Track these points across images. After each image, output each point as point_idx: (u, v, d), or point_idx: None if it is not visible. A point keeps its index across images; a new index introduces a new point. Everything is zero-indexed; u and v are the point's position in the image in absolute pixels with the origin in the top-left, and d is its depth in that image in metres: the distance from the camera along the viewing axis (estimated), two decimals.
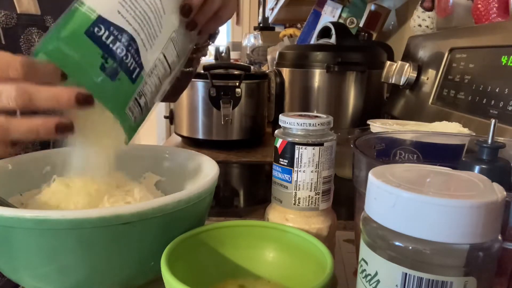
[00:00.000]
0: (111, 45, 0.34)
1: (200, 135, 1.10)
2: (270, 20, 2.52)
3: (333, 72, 0.98)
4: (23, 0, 0.57)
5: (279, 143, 0.40)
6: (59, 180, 0.41)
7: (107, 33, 0.34)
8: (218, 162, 0.44)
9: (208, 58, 1.25)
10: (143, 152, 0.51)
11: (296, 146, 0.39)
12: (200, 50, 0.57)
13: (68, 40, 0.33)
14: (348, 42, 1.05)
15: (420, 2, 0.94)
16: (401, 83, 0.90)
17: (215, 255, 0.38)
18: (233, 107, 1.06)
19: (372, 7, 1.40)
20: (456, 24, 0.82)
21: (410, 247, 0.22)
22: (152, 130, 3.03)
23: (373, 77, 1.00)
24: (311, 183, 0.40)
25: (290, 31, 1.98)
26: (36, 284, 0.35)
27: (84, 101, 0.32)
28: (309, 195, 0.40)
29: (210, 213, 0.44)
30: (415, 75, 0.88)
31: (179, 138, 1.18)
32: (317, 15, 1.52)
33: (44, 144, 0.62)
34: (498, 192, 0.22)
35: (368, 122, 0.69)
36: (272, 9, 2.37)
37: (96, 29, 0.34)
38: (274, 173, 0.42)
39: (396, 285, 0.23)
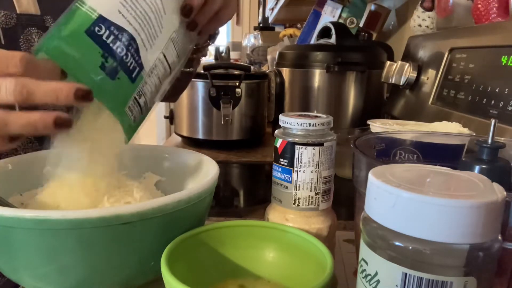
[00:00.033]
0: (111, 45, 0.34)
1: (200, 135, 1.10)
2: (270, 20, 2.52)
3: (333, 72, 0.98)
4: (22, 0, 0.57)
5: (279, 143, 0.40)
6: (59, 180, 0.41)
7: (107, 32, 0.34)
8: (218, 162, 0.44)
9: (208, 58, 1.25)
10: (143, 152, 0.51)
11: (296, 146, 0.39)
12: (200, 50, 0.57)
13: (68, 39, 0.33)
14: (348, 42, 1.05)
15: (420, 2, 0.94)
16: (401, 83, 0.90)
17: (215, 255, 0.38)
18: (233, 107, 1.06)
19: (372, 7, 1.40)
20: (456, 24, 0.82)
21: (410, 247, 0.22)
22: (152, 130, 3.03)
23: (373, 77, 1.00)
24: (311, 183, 0.40)
25: (290, 31, 1.98)
26: (36, 284, 0.35)
27: (83, 96, 0.32)
28: (309, 195, 0.40)
29: (210, 213, 0.44)
30: (415, 75, 0.88)
31: (179, 138, 1.18)
32: (317, 15, 1.52)
33: (44, 144, 0.63)
34: (498, 192, 0.22)
35: (368, 122, 0.69)
36: (272, 9, 2.37)
37: (96, 28, 0.34)
38: (274, 173, 0.42)
39: (396, 285, 0.23)
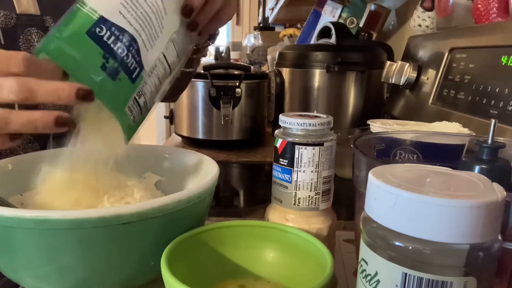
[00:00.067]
0: (112, 45, 0.34)
1: (200, 135, 1.10)
2: (270, 20, 2.52)
3: (333, 72, 0.98)
4: (22, 0, 0.57)
5: (279, 143, 0.40)
6: (58, 180, 0.41)
7: (108, 33, 0.34)
8: (218, 162, 0.44)
9: (208, 58, 1.25)
10: (143, 152, 0.51)
11: (296, 146, 0.39)
12: (200, 50, 0.57)
13: (69, 40, 0.33)
14: (348, 42, 1.05)
15: (420, 2, 0.94)
16: (401, 83, 0.90)
17: (215, 255, 0.38)
18: (233, 107, 1.06)
19: (372, 7, 1.40)
20: (456, 24, 0.82)
21: (410, 247, 0.22)
22: (152, 130, 3.03)
23: (373, 77, 1.00)
24: (311, 183, 0.40)
25: (290, 31, 1.98)
26: (36, 284, 0.35)
27: (85, 96, 0.32)
28: (309, 195, 0.40)
29: (210, 213, 0.44)
30: (415, 75, 0.88)
31: (179, 138, 1.18)
32: (317, 15, 1.52)
33: (44, 144, 0.63)
34: (498, 192, 0.22)
35: (368, 122, 0.69)
36: (272, 9, 2.37)
37: (97, 29, 0.34)
38: (274, 173, 0.42)
39: (396, 285, 0.23)
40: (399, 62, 0.90)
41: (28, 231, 0.31)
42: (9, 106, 0.33)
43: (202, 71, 1.03)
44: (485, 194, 0.22)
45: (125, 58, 0.35)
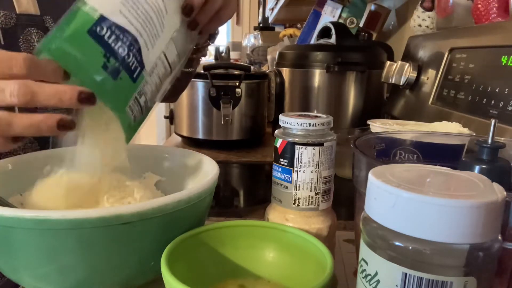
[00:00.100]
0: (113, 45, 0.34)
1: (200, 135, 1.10)
2: (270, 20, 2.52)
3: (333, 72, 0.98)
4: (22, 0, 0.57)
5: (279, 143, 0.40)
6: (58, 179, 0.41)
7: (109, 32, 0.34)
8: (218, 162, 0.44)
9: (208, 58, 1.25)
10: (143, 152, 0.51)
11: (296, 146, 0.39)
12: (200, 50, 0.57)
13: (70, 39, 0.33)
14: (348, 42, 1.05)
15: (420, 2, 0.94)
16: (401, 83, 0.90)
17: (215, 255, 0.38)
18: (233, 107, 1.06)
19: (372, 7, 1.40)
20: (456, 24, 0.82)
21: (410, 247, 0.22)
22: (152, 130, 3.03)
23: (373, 77, 1.00)
24: (311, 183, 0.40)
25: (290, 31, 1.98)
26: (36, 284, 0.35)
27: (87, 99, 0.32)
28: (309, 195, 0.40)
29: (210, 213, 0.44)
30: (415, 75, 0.88)
31: (179, 138, 1.18)
32: (317, 15, 1.52)
33: (44, 144, 0.62)
34: (498, 192, 0.22)
35: (368, 122, 0.69)
36: (272, 9, 2.37)
37: (98, 28, 0.34)
38: (274, 173, 0.42)
39: (396, 285, 0.23)
40: (399, 62, 0.90)
41: (28, 231, 0.31)
42: (10, 109, 0.33)
43: (202, 71, 1.03)
44: (485, 194, 0.22)
45: (126, 57, 0.35)
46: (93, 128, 0.38)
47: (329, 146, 0.40)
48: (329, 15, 1.43)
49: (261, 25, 2.56)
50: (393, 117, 0.92)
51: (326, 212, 0.42)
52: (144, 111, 0.39)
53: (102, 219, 0.31)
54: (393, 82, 0.90)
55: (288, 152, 0.40)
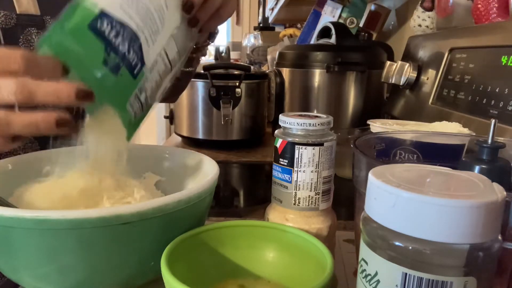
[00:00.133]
0: (113, 40, 0.34)
1: (200, 135, 1.10)
2: (270, 20, 2.52)
3: (333, 72, 0.98)
4: (22, 0, 0.57)
5: (279, 143, 0.40)
6: (59, 179, 0.41)
7: (109, 27, 0.34)
8: (218, 162, 0.44)
9: (208, 58, 1.25)
10: (143, 152, 0.51)
11: (296, 146, 0.39)
12: (200, 49, 0.57)
13: (71, 33, 0.33)
14: (348, 42, 1.05)
15: (420, 2, 0.94)
16: (401, 83, 0.90)
17: (215, 255, 0.38)
18: (233, 107, 1.06)
19: (372, 7, 1.40)
20: (456, 24, 0.82)
21: (410, 247, 0.22)
22: (152, 130, 3.03)
23: (373, 77, 1.00)
24: (311, 183, 0.40)
25: (290, 31, 1.98)
26: (36, 284, 0.35)
27: (84, 96, 0.32)
28: (309, 195, 0.40)
29: (210, 213, 0.44)
30: (415, 75, 0.88)
31: (179, 138, 1.18)
32: (317, 15, 1.52)
33: (44, 144, 0.62)
34: (498, 192, 0.22)
35: (368, 122, 0.69)
36: (272, 9, 2.37)
37: (99, 23, 0.34)
38: (274, 173, 0.42)
39: (396, 285, 0.23)
40: (399, 62, 0.90)
41: (28, 231, 0.31)
42: (9, 107, 0.33)
43: (202, 71, 1.03)
44: (485, 194, 0.22)
45: (126, 53, 0.35)
46: (94, 127, 0.38)
47: (329, 146, 0.40)
48: (329, 15, 1.43)
49: (261, 25, 2.56)
50: (393, 117, 0.92)
51: (326, 212, 0.42)
52: (145, 108, 0.39)
53: (102, 219, 0.31)
54: (393, 82, 0.90)
55: (288, 152, 0.40)
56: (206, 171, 0.44)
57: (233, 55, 2.26)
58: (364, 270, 0.25)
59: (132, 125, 0.38)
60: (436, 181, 0.24)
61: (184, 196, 0.35)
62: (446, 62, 0.77)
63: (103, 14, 0.34)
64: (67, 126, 0.33)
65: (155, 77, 0.39)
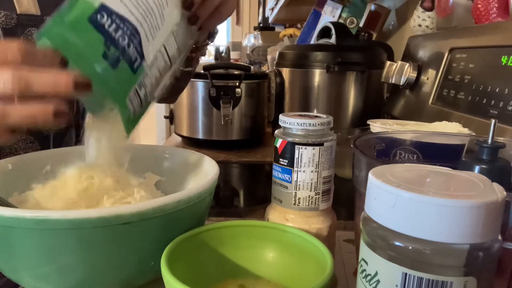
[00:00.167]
0: (113, 33, 0.34)
1: (200, 135, 1.10)
2: (270, 20, 2.52)
3: (333, 72, 0.98)
4: (23, 1, 0.57)
5: (279, 143, 0.40)
6: (59, 179, 0.41)
7: (109, 21, 0.34)
8: (218, 162, 0.44)
9: (208, 58, 1.25)
10: (143, 152, 0.51)
11: (296, 146, 0.39)
12: (200, 49, 0.57)
13: (71, 26, 0.33)
14: (348, 42, 1.05)
15: (420, 2, 0.94)
16: (401, 83, 0.90)
17: (215, 255, 0.38)
18: (233, 107, 1.06)
19: (372, 7, 1.40)
20: (456, 24, 0.82)
21: (410, 247, 0.22)
22: (152, 130, 3.03)
23: (373, 77, 1.00)
24: (311, 183, 0.40)
25: (290, 31, 1.98)
26: (36, 284, 0.35)
27: (82, 86, 0.32)
28: (309, 195, 0.40)
29: (210, 213, 0.44)
30: (415, 75, 0.88)
31: (179, 138, 1.18)
32: (317, 15, 1.52)
33: (44, 144, 0.63)
34: (498, 192, 0.22)
35: (368, 122, 0.69)
36: (272, 9, 2.37)
37: (99, 16, 0.34)
38: (274, 173, 0.42)
39: (396, 285, 0.23)
40: (399, 62, 0.90)
41: (28, 231, 0.31)
42: (8, 100, 0.33)
43: (202, 71, 1.03)
44: (485, 194, 0.22)
45: (126, 47, 0.35)
46: (95, 126, 0.38)
47: (329, 146, 0.40)
48: (329, 15, 1.43)
49: (261, 25, 2.56)
50: (393, 117, 0.92)
51: (326, 212, 0.42)
52: (144, 104, 0.39)
53: (102, 219, 0.31)
54: (393, 82, 0.90)
55: (288, 152, 0.40)
56: (206, 171, 0.44)
57: (233, 55, 2.26)
58: (364, 270, 0.25)
59: (131, 121, 0.38)
60: (436, 181, 0.24)
61: (184, 196, 0.35)
62: (446, 62, 0.77)
63: (103, 8, 0.34)
64: (65, 117, 0.33)
65: (155, 73, 0.39)
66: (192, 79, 1.03)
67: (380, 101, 1.06)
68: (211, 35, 0.53)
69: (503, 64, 0.60)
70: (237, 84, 1.05)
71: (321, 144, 0.39)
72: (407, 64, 0.89)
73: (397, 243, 0.22)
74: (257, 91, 1.11)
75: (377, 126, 0.67)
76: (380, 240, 0.23)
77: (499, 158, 0.34)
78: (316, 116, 0.40)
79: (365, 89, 1.00)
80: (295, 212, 0.41)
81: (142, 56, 0.36)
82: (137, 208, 0.32)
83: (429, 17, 0.92)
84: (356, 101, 1.00)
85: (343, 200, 0.49)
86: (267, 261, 0.38)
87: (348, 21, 1.33)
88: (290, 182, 0.40)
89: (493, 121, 0.34)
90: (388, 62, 0.92)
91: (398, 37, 1.29)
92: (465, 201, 0.21)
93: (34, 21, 0.58)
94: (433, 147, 0.44)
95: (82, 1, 0.34)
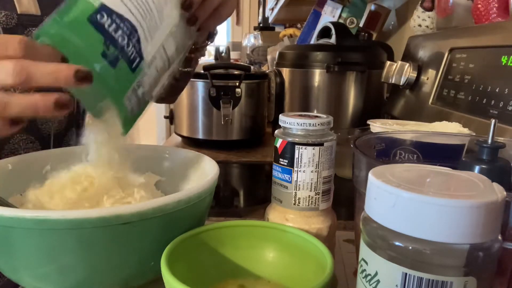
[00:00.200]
0: (113, 33, 0.34)
1: (200, 135, 1.10)
2: (270, 20, 2.52)
3: (333, 72, 0.98)
4: (23, 0, 0.57)
5: (279, 143, 0.40)
6: (59, 179, 0.41)
7: (109, 21, 0.34)
8: (218, 162, 0.44)
9: (208, 58, 1.25)
10: (143, 152, 0.51)
11: (296, 146, 0.39)
12: (199, 50, 0.57)
13: (70, 25, 0.33)
14: (348, 42, 1.05)
15: (420, 2, 0.94)
16: (401, 83, 0.90)
17: (215, 255, 0.38)
18: (233, 107, 1.06)
19: (372, 7, 1.40)
20: (456, 24, 0.82)
21: (410, 247, 0.22)
22: (152, 130, 3.03)
23: (373, 77, 1.00)
24: (311, 183, 0.40)
25: (290, 31, 1.98)
26: (36, 284, 0.35)
27: (83, 78, 0.32)
28: (309, 195, 0.40)
29: (210, 213, 0.44)
30: (415, 75, 0.88)
31: (179, 138, 1.18)
32: (317, 15, 1.52)
33: (45, 144, 0.63)
34: (498, 192, 0.22)
35: (368, 122, 0.69)
36: (272, 9, 2.37)
37: (99, 16, 0.34)
38: (274, 173, 0.42)
39: (396, 285, 0.23)
40: (399, 62, 0.90)
41: (28, 231, 0.31)
42: (7, 91, 0.33)
43: (202, 71, 1.03)
44: (485, 194, 0.22)
45: (125, 46, 0.35)
46: (94, 126, 0.38)
47: (329, 146, 0.40)
48: (329, 15, 1.43)
49: (261, 25, 2.56)
50: (393, 117, 0.92)
51: (326, 212, 0.42)
52: (142, 104, 0.39)
53: (102, 219, 0.31)
54: (393, 82, 0.90)
55: (288, 152, 0.40)
56: (206, 171, 0.44)
57: (233, 55, 2.26)
58: (364, 270, 0.25)
59: (129, 120, 0.38)
60: (436, 181, 0.24)
61: (184, 196, 0.35)
62: (446, 62, 0.77)
63: (103, 7, 0.34)
64: (66, 108, 0.33)
65: (153, 73, 0.39)
66: (192, 79, 1.03)
67: (380, 101, 1.06)
68: (211, 36, 0.53)
69: (503, 64, 0.60)
70: (237, 84, 1.05)
71: (321, 144, 0.39)
72: (407, 64, 0.89)
73: (397, 243, 0.22)
74: (257, 91, 1.11)
75: (377, 126, 0.67)
76: (380, 240, 0.23)
77: (499, 158, 0.34)
78: (316, 116, 0.40)
79: (365, 89, 1.00)
80: (295, 212, 0.41)
81: (141, 56, 0.36)
82: (137, 208, 0.32)
83: (429, 17, 0.92)
84: (356, 101, 1.00)
85: (343, 200, 0.49)
86: (267, 261, 0.38)
87: (348, 21, 1.33)
88: (290, 182, 0.40)
89: (493, 121, 0.34)
90: (388, 62, 0.92)
91: (398, 37, 1.29)
92: (465, 201, 0.21)
93: (34, 21, 0.58)
94: (433, 147, 0.44)
95: (82, 1, 0.34)
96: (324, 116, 0.40)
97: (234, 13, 0.51)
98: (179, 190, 0.36)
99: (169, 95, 0.83)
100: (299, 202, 0.40)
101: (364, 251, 0.25)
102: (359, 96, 1.00)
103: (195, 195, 0.36)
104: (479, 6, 0.70)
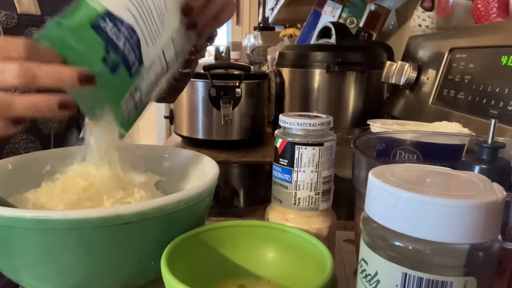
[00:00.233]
0: (114, 39, 0.34)
1: (200, 135, 1.10)
2: (270, 20, 2.52)
3: (333, 72, 0.98)
4: (23, 0, 0.57)
5: (279, 143, 0.40)
6: (59, 179, 0.41)
7: (111, 26, 0.34)
8: (218, 162, 0.44)
9: (208, 58, 1.25)
10: (143, 152, 0.51)
11: (296, 146, 0.39)
12: (198, 51, 0.57)
13: (72, 30, 0.33)
14: (348, 42, 1.05)
15: (420, 2, 0.94)
16: (401, 83, 0.90)
17: (215, 255, 0.38)
18: (233, 107, 1.06)
19: (372, 7, 1.40)
20: (456, 24, 0.82)
21: (410, 247, 0.22)
22: (152, 130, 3.03)
23: (373, 77, 1.00)
24: (311, 183, 0.40)
25: (290, 31, 1.98)
26: (36, 284, 0.35)
27: (87, 80, 0.32)
28: (309, 195, 0.40)
29: (210, 213, 0.44)
30: (415, 75, 0.88)
31: (179, 138, 1.18)
32: (317, 15, 1.52)
33: (45, 144, 0.63)
34: (498, 192, 0.22)
35: (368, 122, 0.69)
36: (272, 9, 2.37)
37: (101, 22, 0.34)
38: (274, 173, 0.42)
39: (396, 285, 0.23)
40: (399, 62, 0.90)
41: (28, 231, 0.31)
42: (12, 91, 0.33)
43: (202, 71, 1.03)
44: (485, 194, 0.22)
45: (126, 52, 0.35)
46: (93, 127, 0.38)
47: (329, 146, 0.40)
48: (329, 15, 1.43)
49: (261, 25, 2.56)
50: (393, 117, 0.92)
51: (326, 212, 0.42)
52: (139, 107, 0.39)
53: (102, 219, 0.31)
54: (393, 82, 0.90)
55: (288, 152, 0.40)
56: (206, 171, 0.44)
57: (233, 55, 2.26)
58: (364, 270, 0.25)
59: (126, 123, 0.38)
60: (436, 181, 0.24)
61: (184, 196, 0.35)
62: (446, 62, 0.77)
63: (107, 13, 0.34)
64: (69, 109, 0.33)
65: (151, 78, 0.39)
66: (192, 79, 1.03)
67: (380, 101, 1.06)
68: (210, 38, 0.54)
69: (503, 64, 0.60)
70: (237, 84, 1.05)
71: (321, 144, 0.39)
72: (407, 64, 0.89)
73: (397, 243, 0.22)
74: (257, 91, 1.11)
75: (377, 126, 0.67)
76: (380, 240, 0.23)
77: (499, 158, 0.34)
78: (316, 116, 0.40)
79: (365, 89, 1.00)
80: (295, 212, 0.41)
81: (140, 61, 0.37)
82: (137, 208, 0.32)
83: (429, 17, 0.92)
84: (356, 101, 1.00)
85: (343, 200, 0.49)
86: (267, 261, 0.38)
87: (348, 21, 1.33)
88: (290, 182, 0.40)
89: (493, 121, 0.34)
90: (388, 62, 0.92)
91: (398, 37, 1.29)
92: (465, 201, 0.21)
93: (34, 21, 0.58)
94: (433, 147, 0.44)
95: (86, 6, 0.34)
96: (324, 116, 0.40)
97: (234, 13, 0.51)
98: (179, 190, 0.36)
99: (169, 95, 0.83)
100: (299, 202, 0.40)
101: (364, 251, 0.25)
102: (359, 96, 1.00)
103: (195, 195, 0.36)
104: (479, 6, 0.70)
